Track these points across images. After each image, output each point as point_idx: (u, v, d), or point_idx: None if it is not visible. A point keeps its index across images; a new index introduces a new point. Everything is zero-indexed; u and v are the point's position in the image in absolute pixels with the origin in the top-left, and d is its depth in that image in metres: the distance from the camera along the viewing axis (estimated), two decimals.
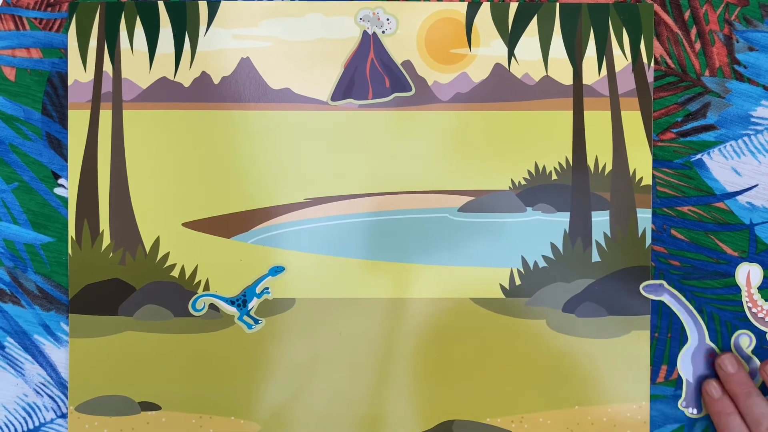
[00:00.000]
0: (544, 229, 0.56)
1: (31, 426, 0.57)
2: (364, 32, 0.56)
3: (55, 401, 0.57)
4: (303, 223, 0.56)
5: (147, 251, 0.56)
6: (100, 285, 0.56)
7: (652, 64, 0.56)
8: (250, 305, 0.56)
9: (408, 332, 0.56)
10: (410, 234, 0.56)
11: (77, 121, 0.56)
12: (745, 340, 0.56)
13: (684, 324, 0.56)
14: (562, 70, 0.56)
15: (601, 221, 0.56)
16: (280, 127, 0.56)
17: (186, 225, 0.56)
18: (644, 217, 0.56)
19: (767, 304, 0.56)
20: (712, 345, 0.56)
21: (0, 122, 0.57)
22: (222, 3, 0.56)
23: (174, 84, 0.56)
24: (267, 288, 0.56)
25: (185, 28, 0.56)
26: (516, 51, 0.56)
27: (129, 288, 0.56)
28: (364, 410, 0.56)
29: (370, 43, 0.56)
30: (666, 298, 0.56)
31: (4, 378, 0.57)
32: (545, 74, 0.56)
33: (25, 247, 0.57)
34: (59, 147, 0.57)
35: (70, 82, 0.56)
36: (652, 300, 0.56)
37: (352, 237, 0.56)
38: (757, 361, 0.56)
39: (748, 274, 0.57)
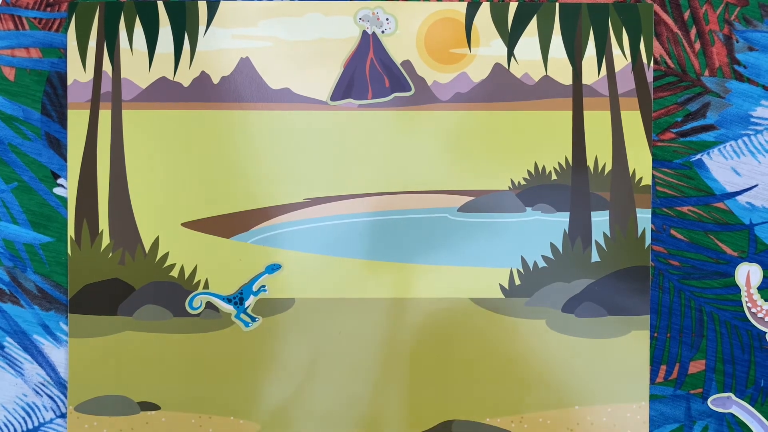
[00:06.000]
0: (543, 229, 0.56)
1: (30, 426, 0.57)
2: (364, 32, 0.56)
3: (54, 401, 0.57)
4: (303, 223, 0.56)
5: (146, 251, 0.56)
6: (99, 285, 0.56)
7: (652, 64, 0.56)
8: (246, 303, 0.55)
9: (407, 332, 0.56)
10: (410, 234, 0.56)
11: (76, 121, 0.56)
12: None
13: None
14: (561, 70, 0.56)
15: (600, 221, 0.56)
16: (279, 127, 0.56)
17: (185, 225, 0.56)
18: (644, 217, 0.56)
19: (767, 304, 0.56)
20: None
21: None
22: (221, 3, 0.56)
23: (173, 84, 0.56)
24: (264, 286, 0.56)
25: (185, 28, 0.56)
26: (516, 51, 0.56)
27: (128, 288, 0.56)
28: (364, 410, 0.56)
29: (369, 43, 0.56)
30: (735, 410, 0.56)
31: (3, 378, 0.57)
32: (545, 74, 0.56)
33: (24, 246, 0.57)
34: (58, 147, 0.57)
35: (69, 81, 0.56)
36: (720, 411, 0.56)
37: (351, 237, 0.56)
38: None
39: (747, 274, 0.56)
